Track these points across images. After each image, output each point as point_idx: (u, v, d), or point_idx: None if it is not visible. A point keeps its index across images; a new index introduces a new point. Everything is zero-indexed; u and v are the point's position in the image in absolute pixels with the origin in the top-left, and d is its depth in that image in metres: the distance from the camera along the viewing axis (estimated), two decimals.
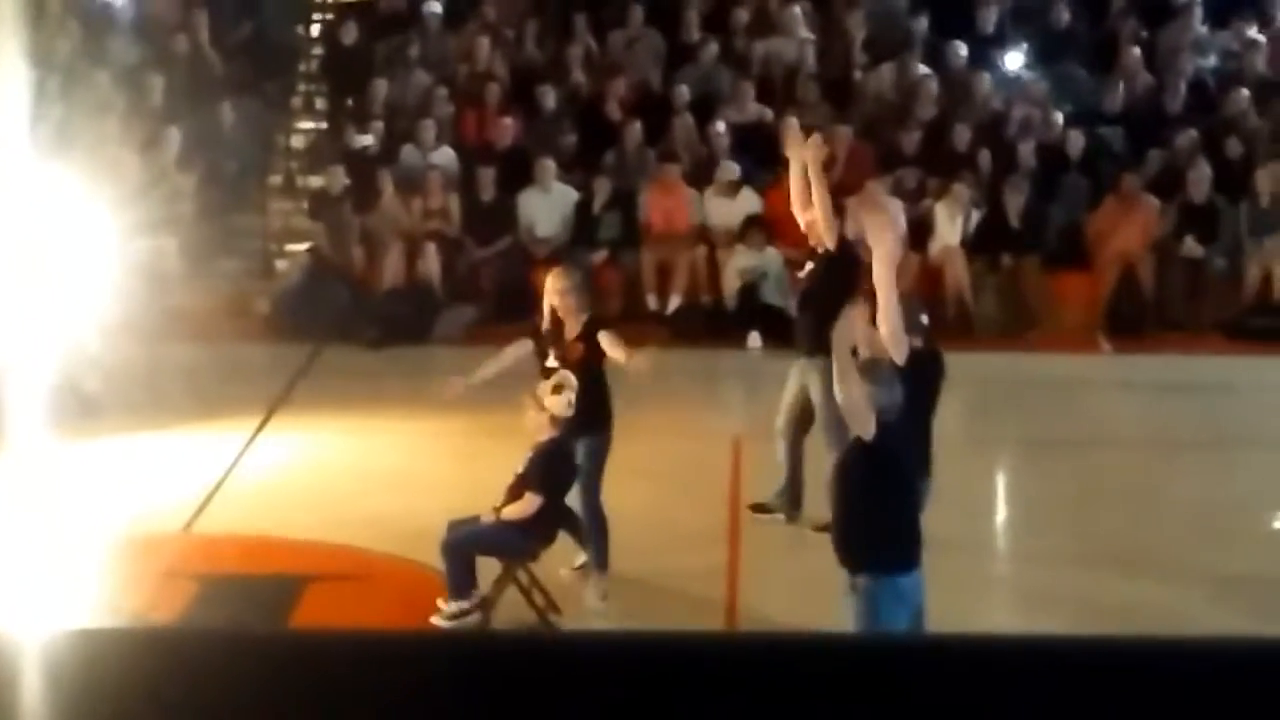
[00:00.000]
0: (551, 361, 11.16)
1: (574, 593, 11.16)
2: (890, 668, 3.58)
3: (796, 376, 12.43)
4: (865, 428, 8.57)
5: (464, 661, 3.46)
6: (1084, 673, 3.55)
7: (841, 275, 11.92)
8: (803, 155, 12.05)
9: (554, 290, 11.36)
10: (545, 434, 10.82)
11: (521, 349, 11.51)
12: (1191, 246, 18.65)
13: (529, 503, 10.69)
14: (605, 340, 11.19)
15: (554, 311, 11.33)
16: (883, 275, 9.73)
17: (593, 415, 11.10)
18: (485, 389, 11.46)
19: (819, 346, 12.01)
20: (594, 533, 11.28)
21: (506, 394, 11.14)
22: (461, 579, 10.61)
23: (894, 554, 8.72)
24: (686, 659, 3.54)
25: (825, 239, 12.05)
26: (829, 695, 3.53)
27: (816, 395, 12.11)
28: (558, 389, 10.86)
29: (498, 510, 10.75)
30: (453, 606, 10.56)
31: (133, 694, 3.40)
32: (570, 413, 10.83)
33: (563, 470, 10.91)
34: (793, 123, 12.91)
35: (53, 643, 3.50)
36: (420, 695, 3.40)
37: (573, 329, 11.27)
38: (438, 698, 3.42)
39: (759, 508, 12.68)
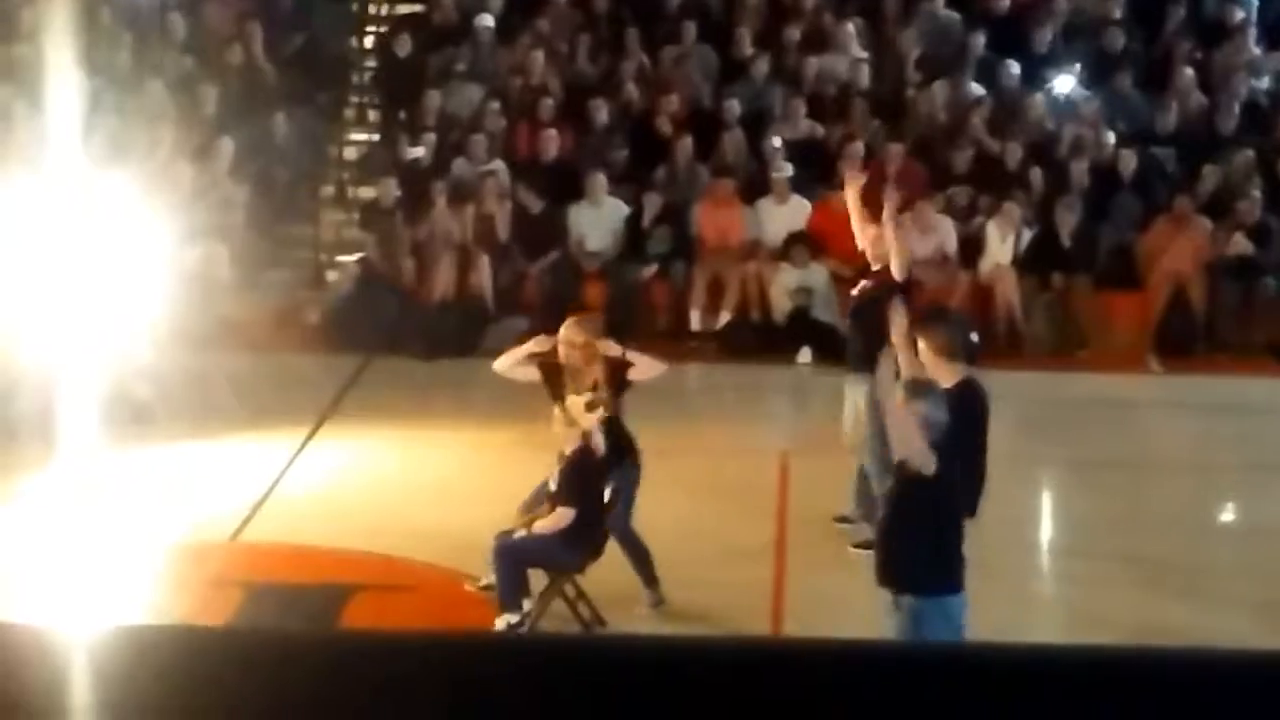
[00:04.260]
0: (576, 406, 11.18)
1: (620, 605, 11.15)
2: (926, 677, 3.58)
3: (851, 392, 12.43)
4: (926, 466, 8.54)
5: (505, 663, 3.47)
6: (1121, 682, 3.54)
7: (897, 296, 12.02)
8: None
9: (571, 342, 11.33)
10: (573, 443, 10.82)
11: (543, 344, 11.44)
12: (1240, 242, 18.53)
13: (561, 515, 10.69)
14: (635, 370, 11.22)
15: (569, 360, 11.30)
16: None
17: (617, 450, 11.11)
18: (534, 399, 11.46)
19: (867, 364, 12.07)
20: (633, 560, 11.26)
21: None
22: (512, 590, 10.61)
23: (942, 575, 8.71)
24: (725, 664, 3.54)
25: (895, 271, 12.05)
26: (866, 703, 3.53)
27: (863, 410, 12.13)
28: (592, 406, 10.87)
29: (528, 524, 10.76)
30: (501, 621, 10.57)
31: (179, 691, 3.42)
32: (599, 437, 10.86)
33: (594, 479, 10.87)
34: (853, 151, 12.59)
35: (100, 639, 3.52)
36: (461, 696, 3.41)
37: (590, 375, 11.22)
38: (479, 698, 3.43)
39: (842, 519, 12.61)
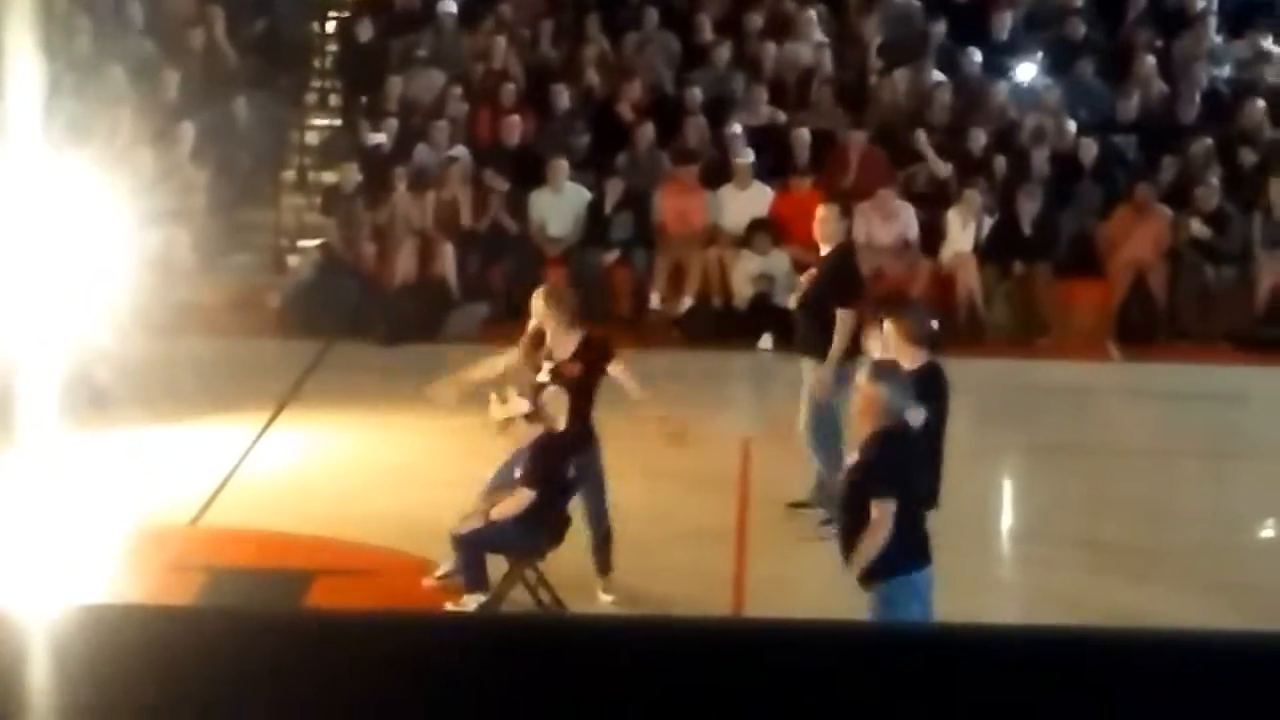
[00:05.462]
0: (544, 376, 11.12)
1: (580, 590, 11.15)
2: (892, 656, 3.59)
3: (806, 377, 12.47)
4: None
5: (470, 643, 3.47)
6: (1088, 663, 3.56)
7: (840, 278, 12.18)
8: None
9: (542, 312, 11.32)
10: (533, 434, 10.82)
11: (513, 358, 11.48)
12: (1199, 229, 18.60)
13: (520, 497, 10.67)
14: (617, 371, 11.19)
15: (539, 331, 11.31)
16: None
17: (583, 431, 11.08)
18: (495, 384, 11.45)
19: (813, 349, 12.16)
20: (596, 542, 11.27)
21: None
22: (473, 573, 10.61)
23: (905, 553, 8.74)
24: (690, 644, 3.55)
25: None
26: (830, 683, 3.54)
27: (804, 393, 12.23)
28: (504, 400, 10.88)
29: (487, 510, 10.75)
30: (466, 601, 10.57)
31: (139, 671, 3.41)
32: (560, 425, 10.82)
33: (555, 464, 10.84)
34: None
35: (60, 619, 3.51)
36: (425, 675, 3.41)
37: (566, 348, 11.20)
38: (443, 679, 3.43)
39: (798, 505, 12.62)
